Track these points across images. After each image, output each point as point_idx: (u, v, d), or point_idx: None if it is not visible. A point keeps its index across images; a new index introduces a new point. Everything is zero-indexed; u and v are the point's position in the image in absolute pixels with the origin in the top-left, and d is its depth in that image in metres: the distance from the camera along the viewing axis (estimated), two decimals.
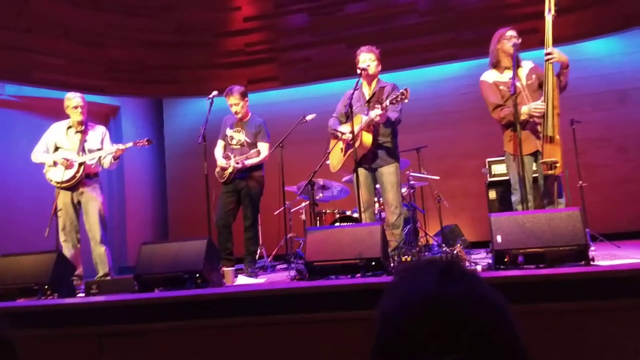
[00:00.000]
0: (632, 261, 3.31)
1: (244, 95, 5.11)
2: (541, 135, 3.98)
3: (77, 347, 3.17)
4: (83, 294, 3.95)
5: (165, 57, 7.69)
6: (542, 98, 3.99)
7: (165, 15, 7.74)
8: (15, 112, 7.02)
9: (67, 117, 5.06)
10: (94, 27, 7.30)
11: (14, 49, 6.60)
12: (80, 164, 4.84)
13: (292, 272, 3.98)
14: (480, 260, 4.15)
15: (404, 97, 4.09)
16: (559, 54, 3.99)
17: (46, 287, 3.74)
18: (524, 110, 4.01)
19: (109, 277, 4.76)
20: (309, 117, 5.40)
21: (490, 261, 3.50)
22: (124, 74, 7.53)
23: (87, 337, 3.17)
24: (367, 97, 4.51)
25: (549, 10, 4.07)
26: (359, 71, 4.42)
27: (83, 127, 4.99)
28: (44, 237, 4.66)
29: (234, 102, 5.07)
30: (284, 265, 5.48)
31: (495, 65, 4.24)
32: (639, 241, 5.31)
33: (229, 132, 5.17)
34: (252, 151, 4.95)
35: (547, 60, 3.97)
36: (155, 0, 7.70)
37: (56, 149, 4.96)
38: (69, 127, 5.00)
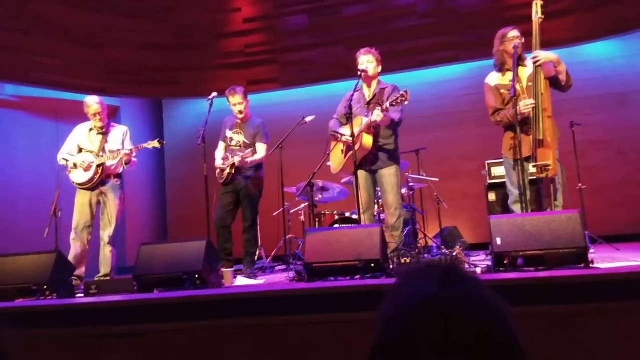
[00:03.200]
0: (631, 264, 3.31)
1: (246, 95, 5.15)
2: (532, 139, 3.97)
3: (76, 348, 3.17)
4: (82, 295, 3.95)
5: (164, 58, 7.69)
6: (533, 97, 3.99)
7: (165, 17, 7.74)
8: (15, 112, 7.01)
9: (71, 118, 5.07)
10: (94, 28, 7.30)
11: (13, 50, 6.60)
12: (99, 166, 4.88)
13: (291, 274, 3.97)
14: (479, 263, 4.15)
15: (404, 99, 4.08)
16: (545, 55, 3.99)
17: (45, 287, 3.73)
18: (524, 104, 3.98)
19: (108, 278, 4.76)
20: (308, 119, 5.40)
21: (489, 263, 3.50)
22: (123, 75, 7.54)
23: (86, 337, 3.17)
24: (368, 99, 4.51)
25: (536, 13, 4.07)
26: (359, 73, 4.42)
27: (104, 129, 5.05)
28: (43, 237, 4.66)
29: (237, 102, 5.08)
30: (283, 267, 5.47)
31: (500, 67, 4.22)
32: (638, 244, 5.30)
33: (228, 133, 5.18)
34: (247, 151, 4.95)
35: (535, 63, 3.97)
36: (155, 1, 7.70)
37: (80, 150, 5.03)
38: (91, 129, 5.07)
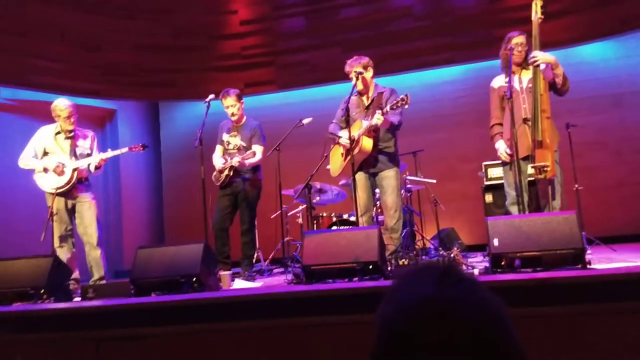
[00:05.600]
0: (628, 264, 3.32)
1: (240, 98, 5.15)
2: (531, 139, 4.01)
3: (73, 352, 3.16)
4: (79, 298, 3.94)
5: (161, 60, 7.68)
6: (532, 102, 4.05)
7: (162, 19, 7.73)
8: (11, 116, 7.00)
9: (80, 121, 5.05)
10: (91, 31, 7.29)
11: (9, 52, 6.58)
12: (74, 169, 4.82)
13: (289, 276, 3.98)
14: (477, 264, 4.16)
15: (404, 102, 4.10)
16: (543, 55, 4.03)
17: (42, 291, 3.72)
18: (498, 147, 4.26)
19: (104, 281, 4.75)
20: (305, 121, 5.41)
21: (487, 265, 3.50)
22: (120, 77, 7.52)
23: (84, 341, 3.16)
24: (366, 103, 4.52)
25: (536, 13, 4.11)
26: (354, 77, 4.42)
27: (72, 133, 4.96)
28: (40, 241, 4.64)
29: (230, 104, 5.08)
30: (281, 269, 5.47)
31: (504, 68, 4.31)
32: (635, 244, 5.32)
33: (225, 137, 5.18)
34: (247, 153, 4.96)
35: (532, 63, 4.01)
36: (152, 4, 7.70)
37: (45, 154, 4.91)
38: (58, 133, 4.95)
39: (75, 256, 4.92)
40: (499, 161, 4.47)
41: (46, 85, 6.87)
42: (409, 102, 4.11)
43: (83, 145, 4.99)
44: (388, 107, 4.17)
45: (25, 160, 4.91)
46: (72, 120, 4.90)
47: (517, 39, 4.19)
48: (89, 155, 4.95)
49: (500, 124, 4.32)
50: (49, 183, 4.81)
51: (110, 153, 4.99)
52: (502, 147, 4.21)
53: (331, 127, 4.66)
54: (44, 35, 6.91)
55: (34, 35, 6.80)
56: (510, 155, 4.13)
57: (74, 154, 4.90)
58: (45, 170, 4.82)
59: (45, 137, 4.96)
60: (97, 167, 4.92)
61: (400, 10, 7.35)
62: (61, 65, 6.99)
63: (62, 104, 4.90)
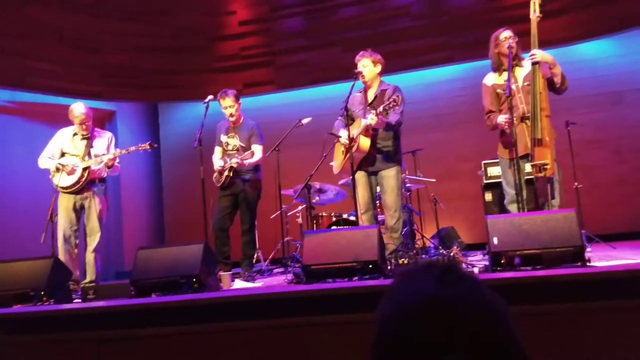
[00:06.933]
0: (628, 262, 3.32)
1: (237, 98, 5.15)
2: (530, 138, 3.99)
3: (74, 353, 3.16)
4: (79, 300, 3.94)
5: (160, 61, 7.67)
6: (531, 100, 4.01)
7: (161, 20, 7.73)
8: (10, 118, 6.99)
9: (68, 122, 5.08)
10: (89, 32, 7.29)
11: (8, 54, 6.58)
12: (84, 169, 4.86)
13: (289, 276, 3.98)
14: (477, 262, 4.17)
15: (395, 103, 4.13)
16: (541, 54, 4.02)
17: (42, 293, 3.72)
18: (500, 119, 4.07)
19: (94, 284, 4.73)
20: (304, 121, 5.41)
21: (486, 263, 3.50)
22: (119, 79, 7.52)
23: (84, 342, 3.16)
24: (370, 101, 4.52)
25: (534, 11, 4.10)
26: (355, 75, 4.43)
27: (89, 134, 5.05)
28: (39, 242, 4.64)
29: (229, 105, 5.08)
30: (281, 269, 5.47)
31: (496, 68, 4.26)
32: (634, 242, 5.32)
33: (223, 138, 5.18)
34: (246, 153, 4.97)
35: (532, 60, 4.01)
36: (151, 5, 7.70)
37: (63, 154, 5.02)
38: (75, 134, 5.06)
39: (77, 257, 4.95)
40: (498, 160, 4.45)
41: (45, 87, 6.87)
42: (399, 102, 4.14)
43: (99, 146, 5.06)
44: (381, 108, 4.18)
45: (43, 160, 5.04)
46: (83, 126, 5.00)
47: (506, 33, 4.17)
48: (103, 155, 4.99)
49: (495, 112, 4.25)
50: (60, 182, 4.90)
51: (118, 152, 5.03)
52: (501, 117, 4.05)
53: (336, 124, 4.66)
54: (43, 37, 6.90)
55: (32, 37, 6.80)
56: (509, 124, 4.03)
57: (88, 154, 4.97)
58: (58, 169, 4.90)
59: (63, 138, 5.09)
60: (109, 167, 4.97)
61: (398, 9, 7.36)
62: (60, 67, 6.99)
63: (76, 110, 5.02)
